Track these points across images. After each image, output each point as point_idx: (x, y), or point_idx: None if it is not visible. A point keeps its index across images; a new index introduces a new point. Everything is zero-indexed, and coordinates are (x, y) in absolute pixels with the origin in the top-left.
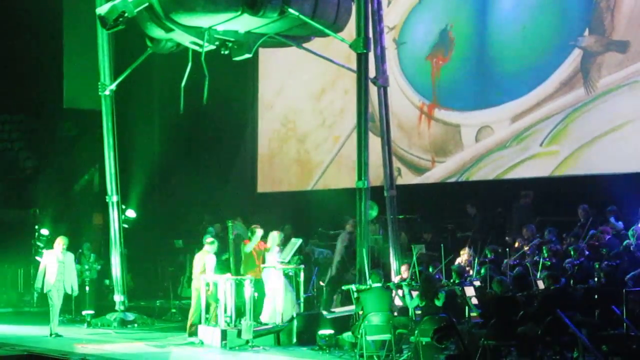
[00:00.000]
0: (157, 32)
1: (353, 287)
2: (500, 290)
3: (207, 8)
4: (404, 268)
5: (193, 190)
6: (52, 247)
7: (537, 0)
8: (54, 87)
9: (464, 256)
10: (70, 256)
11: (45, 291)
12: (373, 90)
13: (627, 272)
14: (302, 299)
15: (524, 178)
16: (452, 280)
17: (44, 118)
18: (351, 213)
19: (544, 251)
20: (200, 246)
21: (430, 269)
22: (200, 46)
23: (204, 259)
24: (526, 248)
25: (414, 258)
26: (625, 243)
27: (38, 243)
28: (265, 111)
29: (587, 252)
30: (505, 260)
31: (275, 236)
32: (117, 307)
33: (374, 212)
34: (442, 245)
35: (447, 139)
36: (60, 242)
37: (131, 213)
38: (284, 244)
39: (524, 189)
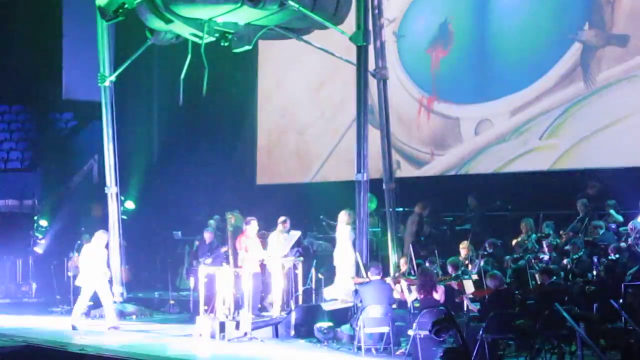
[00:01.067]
0: (156, 24)
1: (351, 279)
2: (494, 284)
3: (207, 0)
4: (402, 261)
5: (192, 181)
6: (45, 237)
7: None
8: (53, 78)
9: (463, 250)
10: (105, 251)
11: (88, 285)
12: (372, 82)
13: (626, 266)
14: (300, 292)
15: (523, 172)
16: (449, 275)
17: (43, 109)
18: (350, 206)
19: (544, 245)
20: (199, 237)
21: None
22: (200, 38)
23: (279, 238)
24: (526, 242)
25: (411, 251)
26: (622, 244)
27: (37, 234)
28: (264, 103)
29: (583, 249)
30: (507, 257)
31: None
32: (115, 299)
33: (373, 205)
34: (436, 251)
35: (447, 132)
36: (104, 236)
37: (130, 204)
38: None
39: (522, 182)
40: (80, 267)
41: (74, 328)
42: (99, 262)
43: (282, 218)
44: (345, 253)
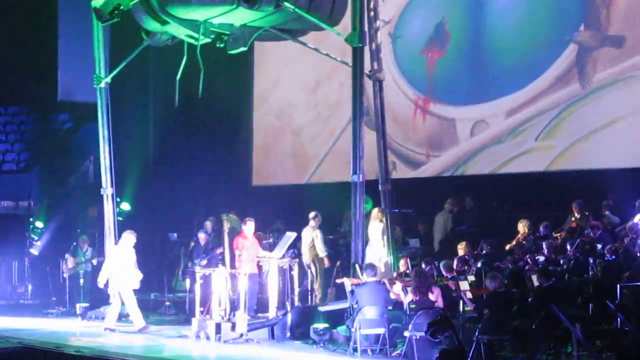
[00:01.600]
0: (152, 25)
1: (346, 279)
2: (493, 285)
3: (202, 1)
4: (402, 262)
5: (188, 183)
6: (40, 239)
7: None
8: (48, 79)
9: (461, 251)
10: (133, 251)
11: (116, 288)
12: (368, 83)
13: (622, 267)
14: (296, 293)
15: (518, 173)
16: (445, 276)
17: (39, 110)
18: (346, 207)
19: (543, 246)
20: (194, 239)
21: (422, 266)
22: (196, 39)
23: (312, 235)
24: (524, 242)
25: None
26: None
27: (32, 235)
28: (260, 104)
29: (580, 249)
30: (508, 257)
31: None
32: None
33: (368, 207)
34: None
35: (442, 133)
36: (131, 237)
37: (126, 206)
38: (277, 238)
39: (518, 184)
40: (108, 270)
41: (142, 330)
42: (129, 263)
43: (312, 214)
44: (378, 250)
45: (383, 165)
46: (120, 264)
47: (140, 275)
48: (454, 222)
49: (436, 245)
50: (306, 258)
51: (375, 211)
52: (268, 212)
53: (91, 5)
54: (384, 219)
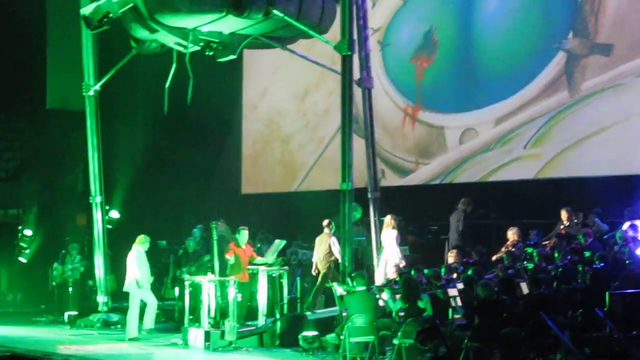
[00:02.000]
0: (141, 33)
1: (335, 285)
2: (485, 293)
3: (191, 9)
4: (394, 269)
5: (177, 191)
6: (29, 247)
7: (522, 3)
8: (37, 87)
9: (451, 258)
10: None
11: (136, 290)
12: (357, 91)
13: (611, 274)
14: (285, 301)
15: (507, 180)
16: (433, 284)
17: (28, 118)
18: (335, 215)
19: (535, 254)
20: (183, 247)
21: (413, 272)
22: (185, 47)
23: (329, 242)
24: (513, 249)
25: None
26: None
27: (21, 244)
28: (249, 112)
29: (569, 257)
30: (499, 265)
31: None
32: (100, 308)
33: (357, 214)
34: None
35: (431, 141)
36: (147, 242)
37: (115, 214)
38: (263, 246)
39: (507, 191)
40: (129, 273)
41: (132, 340)
42: (146, 267)
43: (326, 221)
44: (389, 256)
45: (372, 173)
46: (141, 268)
47: (151, 279)
48: (465, 221)
49: (451, 247)
50: (321, 265)
51: (388, 218)
52: (257, 220)
53: (80, 13)
54: (396, 226)
